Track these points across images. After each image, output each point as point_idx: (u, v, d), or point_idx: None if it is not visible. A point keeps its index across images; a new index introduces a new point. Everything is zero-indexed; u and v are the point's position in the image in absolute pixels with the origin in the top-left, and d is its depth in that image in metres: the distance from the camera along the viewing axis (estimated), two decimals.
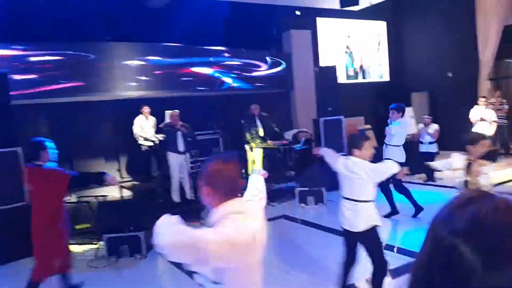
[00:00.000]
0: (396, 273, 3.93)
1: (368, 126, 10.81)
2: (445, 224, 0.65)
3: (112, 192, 7.14)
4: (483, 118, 8.61)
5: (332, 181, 7.50)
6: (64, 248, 3.72)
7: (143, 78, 8.65)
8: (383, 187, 5.73)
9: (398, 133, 5.83)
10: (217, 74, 9.65)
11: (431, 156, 7.66)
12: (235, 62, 9.95)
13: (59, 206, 3.63)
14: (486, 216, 0.62)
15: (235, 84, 9.92)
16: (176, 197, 7.14)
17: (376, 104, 12.62)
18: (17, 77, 7.17)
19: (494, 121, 8.69)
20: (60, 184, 3.52)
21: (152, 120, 8.42)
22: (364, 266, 3.62)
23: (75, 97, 7.92)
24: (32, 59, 7.49)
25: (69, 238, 3.94)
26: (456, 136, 8.32)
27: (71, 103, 8.10)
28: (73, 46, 7.90)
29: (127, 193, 7.47)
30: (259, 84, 10.32)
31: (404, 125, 5.95)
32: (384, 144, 6.09)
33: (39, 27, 7.42)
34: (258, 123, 8.35)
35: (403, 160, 5.65)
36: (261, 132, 8.34)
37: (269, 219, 6.55)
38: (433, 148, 8.11)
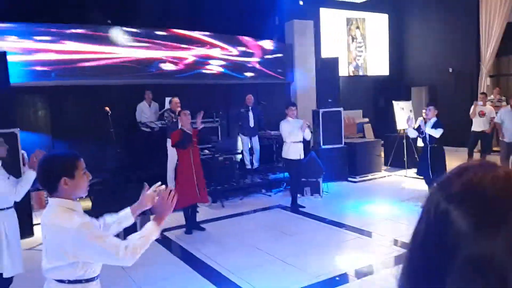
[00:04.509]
0: None
1: (366, 120, 10.85)
2: (441, 189, 0.64)
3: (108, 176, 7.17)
4: (483, 112, 8.59)
5: (328, 173, 7.61)
6: None
7: (143, 64, 8.61)
8: None
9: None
10: (217, 62, 9.61)
11: None
12: (237, 51, 9.90)
13: None
14: (481, 182, 0.61)
15: (235, 73, 9.88)
16: (171, 184, 7.16)
17: (375, 97, 12.64)
18: (16, 58, 7.13)
19: (492, 118, 8.68)
20: None
21: (154, 106, 8.41)
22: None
23: (76, 80, 7.89)
24: (32, 40, 7.44)
25: None
26: (455, 131, 8.41)
27: (72, 86, 8.08)
28: (75, 28, 7.85)
29: (124, 178, 7.49)
30: (260, 74, 10.28)
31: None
32: None
33: (40, 8, 7.36)
34: (250, 114, 8.39)
35: None
36: (252, 123, 8.39)
37: (265, 209, 6.62)
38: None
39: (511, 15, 10.34)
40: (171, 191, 2.04)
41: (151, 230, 1.93)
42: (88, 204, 5.61)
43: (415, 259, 0.66)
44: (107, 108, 6.49)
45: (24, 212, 5.33)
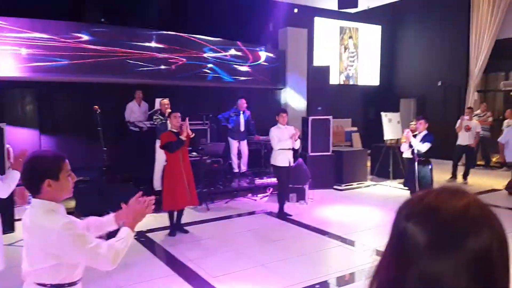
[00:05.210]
0: None
1: (355, 128, 10.96)
2: (404, 208, 0.68)
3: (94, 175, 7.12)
4: (469, 127, 8.71)
5: (314, 180, 7.67)
6: None
7: (135, 64, 8.59)
8: None
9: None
10: (210, 66, 9.63)
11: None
12: (230, 55, 9.93)
13: None
14: (439, 207, 0.64)
15: (227, 77, 9.91)
16: (158, 185, 7.14)
17: (364, 107, 12.77)
18: (5, 52, 7.07)
19: (477, 132, 8.83)
20: None
21: (144, 105, 8.39)
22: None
23: (65, 77, 7.83)
24: (23, 35, 7.38)
25: None
26: (441, 144, 8.52)
27: (62, 83, 8.02)
28: (66, 26, 7.80)
29: (109, 177, 7.44)
30: (252, 79, 10.32)
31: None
32: None
33: (32, 3, 7.31)
34: (241, 118, 8.41)
35: None
36: (242, 127, 8.41)
37: (250, 213, 6.64)
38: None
39: (500, 32, 10.57)
40: (155, 196, 2.02)
41: (127, 235, 1.91)
42: (72, 204, 5.56)
43: (382, 272, 0.71)
44: (96, 107, 6.46)
45: (6, 207, 5.27)
